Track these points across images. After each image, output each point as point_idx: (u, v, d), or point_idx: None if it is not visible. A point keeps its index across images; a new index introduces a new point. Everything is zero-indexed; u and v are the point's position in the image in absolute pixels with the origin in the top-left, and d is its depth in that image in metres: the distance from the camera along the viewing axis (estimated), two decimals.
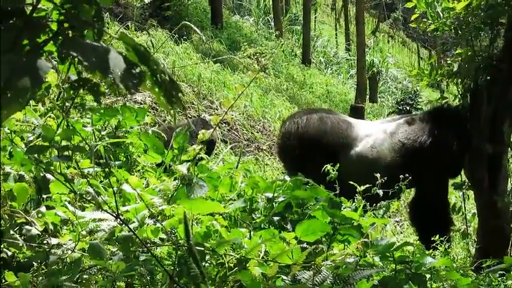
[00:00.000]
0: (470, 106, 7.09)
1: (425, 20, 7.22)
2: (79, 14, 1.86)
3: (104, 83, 1.87)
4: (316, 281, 2.65)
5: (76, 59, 1.79)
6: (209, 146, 7.80)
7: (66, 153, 3.06)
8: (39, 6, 1.89)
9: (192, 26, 6.30)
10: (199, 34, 8.62)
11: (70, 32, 1.83)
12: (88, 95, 2.37)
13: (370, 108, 21.22)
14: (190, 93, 11.14)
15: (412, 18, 7.44)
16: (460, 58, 7.05)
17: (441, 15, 6.99)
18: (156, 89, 1.89)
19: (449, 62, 7.26)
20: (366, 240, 3.22)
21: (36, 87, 1.65)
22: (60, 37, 1.81)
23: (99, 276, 2.97)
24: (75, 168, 3.63)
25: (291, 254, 2.82)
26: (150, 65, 1.86)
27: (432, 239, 6.39)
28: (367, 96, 23.51)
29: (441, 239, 6.26)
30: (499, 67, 6.76)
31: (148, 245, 2.83)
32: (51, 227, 3.20)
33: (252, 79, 3.18)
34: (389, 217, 8.63)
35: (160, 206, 2.99)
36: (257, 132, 11.77)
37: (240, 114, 11.68)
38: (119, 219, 2.79)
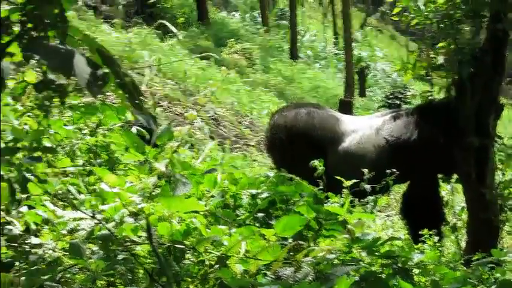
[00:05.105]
0: (456, 99, 7.06)
1: (407, 13, 7.18)
2: (42, 15, 1.81)
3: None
4: (297, 277, 2.63)
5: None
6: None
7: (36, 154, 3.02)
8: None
9: (169, 24, 6.19)
10: (176, 33, 8.53)
11: (34, 33, 1.78)
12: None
13: (359, 102, 21.20)
14: (176, 90, 11.10)
15: (394, 12, 7.40)
16: (443, 51, 7.01)
17: (423, 8, 6.96)
18: (120, 91, 1.86)
19: (432, 55, 7.21)
20: (346, 236, 3.19)
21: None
22: (23, 38, 1.76)
23: (81, 275, 2.95)
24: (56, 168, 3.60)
25: (271, 251, 2.79)
26: (113, 67, 1.83)
27: (420, 233, 6.36)
28: (356, 91, 23.49)
29: (430, 233, 6.23)
30: (483, 60, 6.73)
31: (129, 243, 2.80)
32: (33, 226, 3.17)
33: (224, 76, 3.15)
34: (379, 211, 8.61)
35: (139, 204, 2.96)
36: (245, 128, 11.73)
37: (227, 110, 11.63)
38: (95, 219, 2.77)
